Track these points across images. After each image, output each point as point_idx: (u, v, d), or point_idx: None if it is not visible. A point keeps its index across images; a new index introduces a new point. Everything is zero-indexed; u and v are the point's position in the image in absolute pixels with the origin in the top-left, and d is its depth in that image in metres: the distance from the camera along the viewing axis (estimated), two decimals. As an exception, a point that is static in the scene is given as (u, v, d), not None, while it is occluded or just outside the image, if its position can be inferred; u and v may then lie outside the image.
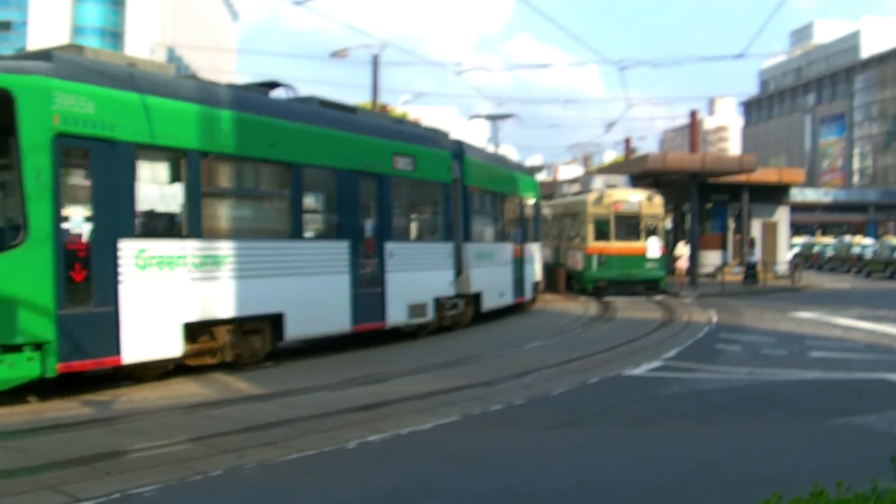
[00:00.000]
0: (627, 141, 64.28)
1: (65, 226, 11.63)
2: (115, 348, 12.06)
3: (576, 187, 38.66)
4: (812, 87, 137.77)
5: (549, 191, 42.83)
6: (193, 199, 13.62)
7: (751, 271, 37.45)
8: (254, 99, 15.73)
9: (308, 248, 16.33)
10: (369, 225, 17.80)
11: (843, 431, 10.44)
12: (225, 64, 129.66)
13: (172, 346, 13.07)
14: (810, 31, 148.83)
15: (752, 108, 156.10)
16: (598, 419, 11.31)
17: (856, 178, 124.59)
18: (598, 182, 35.42)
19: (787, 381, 14.09)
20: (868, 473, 4.38)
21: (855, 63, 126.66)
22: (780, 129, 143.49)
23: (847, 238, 66.63)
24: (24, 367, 11.13)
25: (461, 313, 21.77)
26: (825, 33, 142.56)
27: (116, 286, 12.08)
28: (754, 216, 43.30)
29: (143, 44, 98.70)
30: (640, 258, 31.86)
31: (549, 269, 33.55)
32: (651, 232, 32.16)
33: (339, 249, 16.90)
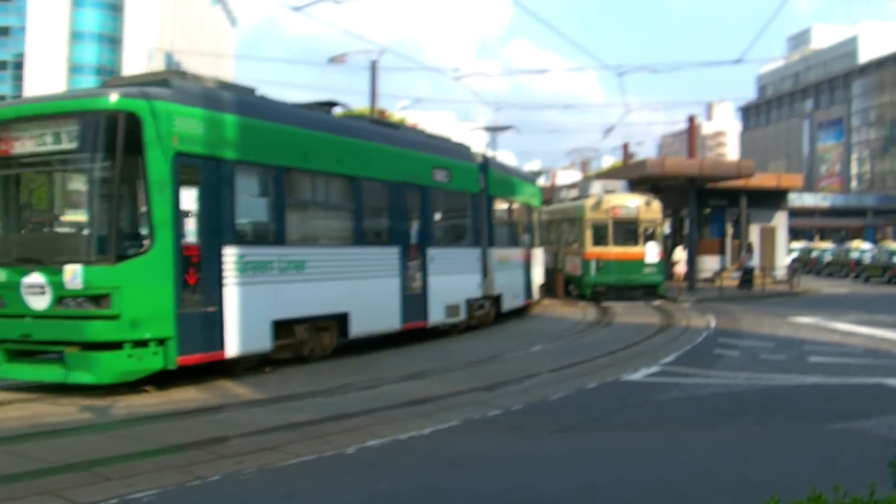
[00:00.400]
0: (626, 146, 64.38)
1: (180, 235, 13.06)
2: (221, 344, 13.53)
3: (574, 192, 38.67)
4: (810, 93, 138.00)
5: (548, 196, 42.75)
6: (279, 209, 15.35)
7: (747, 276, 37.42)
8: (323, 118, 17.43)
9: (368, 254, 18.05)
10: (414, 232, 19.51)
11: (842, 436, 10.46)
12: (223, 70, 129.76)
13: (264, 342, 14.63)
14: (808, 36, 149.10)
15: (751, 114, 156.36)
16: (596, 424, 11.32)
17: (854, 184, 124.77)
18: (597, 187, 35.41)
19: (786, 386, 14.11)
20: (866, 478, 4.39)
21: (853, 68, 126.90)
22: (778, 135, 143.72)
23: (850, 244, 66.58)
24: (150, 360, 12.57)
25: (486, 313, 23.34)
26: (823, 38, 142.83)
27: (221, 288, 13.56)
28: (752, 221, 43.29)
29: (141, 49, 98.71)
30: (639, 263, 31.85)
31: (548, 274, 33.53)
32: (649, 237, 32.15)
33: (392, 255, 18.67)
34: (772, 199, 44.37)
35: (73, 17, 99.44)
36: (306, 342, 15.92)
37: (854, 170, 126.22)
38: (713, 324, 23.55)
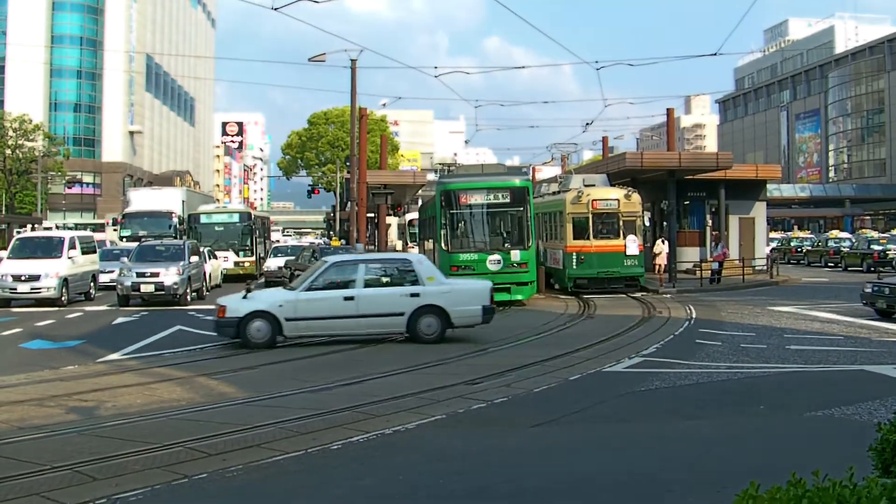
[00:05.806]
0: (604, 140, 64.32)
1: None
2: (536, 289, 29.39)
3: (554, 187, 38.65)
4: (787, 84, 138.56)
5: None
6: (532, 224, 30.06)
7: (716, 269, 36.77)
8: None
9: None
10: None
11: (823, 423, 10.59)
12: (202, 71, 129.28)
13: (535, 290, 29.20)
14: (785, 29, 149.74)
15: (728, 106, 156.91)
16: (579, 416, 11.40)
17: (831, 174, 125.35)
18: (577, 181, 35.38)
19: (767, 375, 14.25)
20: (847, 463, 4.45)
21: (829, 59, 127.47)
22: (755, 126, 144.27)
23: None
24: (532, 291, 28.08)
25: None
26: (799, 30, 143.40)
27: (537, 266, 29.51)
28: (731, 212, 43.32)
29: (120, 52, 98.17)
30: (619, 256, 31.88)
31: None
32: (629, 230, 32.22)
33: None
34: (750, 189, 44.42)
35: (52, 20, 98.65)
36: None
37: (831, 160, 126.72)
38: (694, 314, 23.66)
